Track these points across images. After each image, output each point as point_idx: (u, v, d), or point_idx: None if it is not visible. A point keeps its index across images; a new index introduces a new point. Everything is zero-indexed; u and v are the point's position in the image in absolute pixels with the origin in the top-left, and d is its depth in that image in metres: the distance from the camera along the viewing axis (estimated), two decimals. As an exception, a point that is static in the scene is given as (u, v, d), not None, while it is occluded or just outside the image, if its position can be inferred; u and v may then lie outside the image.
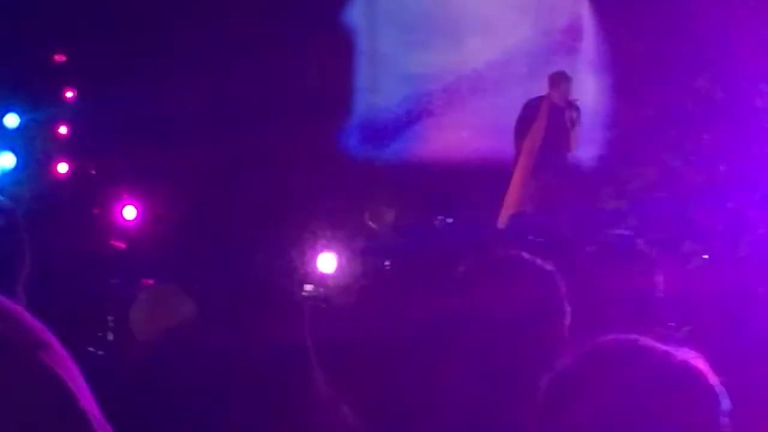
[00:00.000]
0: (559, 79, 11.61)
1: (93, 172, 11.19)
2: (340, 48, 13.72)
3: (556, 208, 11.20)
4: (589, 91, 12.57)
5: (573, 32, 13.81)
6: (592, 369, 2.01)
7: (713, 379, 1.97)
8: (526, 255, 3.01)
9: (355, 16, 13.83)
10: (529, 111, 11.64)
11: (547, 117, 11.45)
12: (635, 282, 4.22)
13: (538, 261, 3.01)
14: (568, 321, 2.90)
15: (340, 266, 10.55)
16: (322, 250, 10.65)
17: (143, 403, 3.83)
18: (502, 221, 11.24)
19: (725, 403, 1.97)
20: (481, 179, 12.05)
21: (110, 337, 9.86)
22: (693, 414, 1.95)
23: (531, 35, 13.84)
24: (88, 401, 1.90)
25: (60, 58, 12.15)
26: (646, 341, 2.04)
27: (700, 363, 1.98)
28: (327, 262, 10.57)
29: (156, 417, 3.78)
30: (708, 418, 1.96)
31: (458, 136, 13.65)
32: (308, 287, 10.25)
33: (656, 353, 2.01)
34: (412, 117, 13.83)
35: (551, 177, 11.38)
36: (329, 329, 4.32)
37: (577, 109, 11.50)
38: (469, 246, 7.51)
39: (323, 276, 10.46)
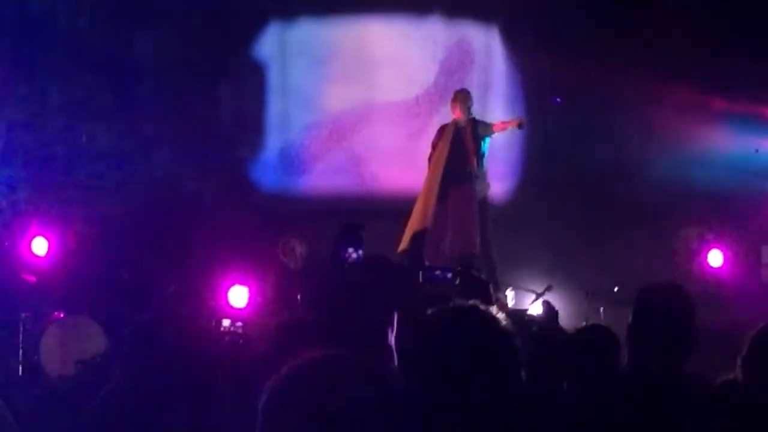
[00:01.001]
0: (457, 95, 11.73)
1: (2, 203, 11.09)
2: (252, 80, 13.75)
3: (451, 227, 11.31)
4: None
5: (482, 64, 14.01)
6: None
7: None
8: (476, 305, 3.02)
9: (267, 48, 13.88)
10: (437, 136, 11.73)
11: (452, 136, 11.52)
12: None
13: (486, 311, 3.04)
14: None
15: (251, 300, 10.57)
16: (233, 284, 10.65)
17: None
18: (403, 243, 11.28)
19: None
20: (394, 210, 12.13)
21: (20, 371, 9.79)
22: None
23: (439, 68, 14.01)
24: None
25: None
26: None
27: None
28: (238, 296, 10.58)
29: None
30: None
31: (370, 168, 13.75)
32: (225, 322, 10.25)
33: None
34: (323, 149, 13.88)
35: (454, 196, 11.41)
36: (247, 368, 4.35)
37: (484, 125, 11.62)
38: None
39: (234, 310, 10.46)
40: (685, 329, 3.93)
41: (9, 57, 11.88)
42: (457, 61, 14.01)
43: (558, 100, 12.50)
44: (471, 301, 2.92)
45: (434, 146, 11.68)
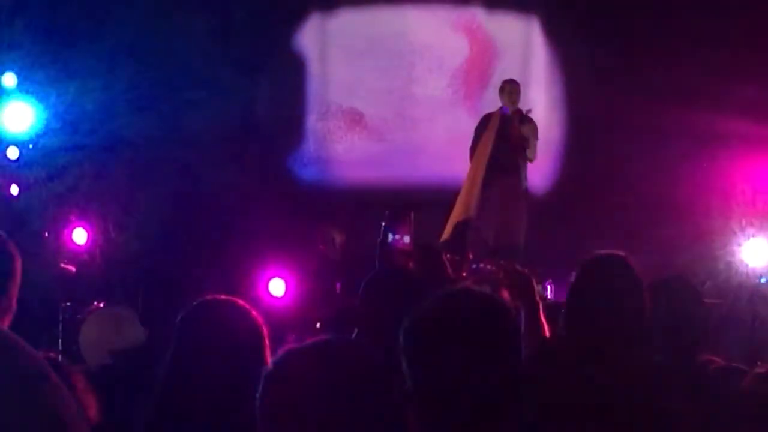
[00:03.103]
0: (505, 86, 11.64)
1: (43, 194, 11.13)
2: (292, 72, 13.76)
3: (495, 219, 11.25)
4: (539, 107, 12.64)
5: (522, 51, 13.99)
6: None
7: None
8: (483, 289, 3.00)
9: (307, 40, 13.89)
10: (481, 125, 11.64)
11: (497, 127, 11.42)
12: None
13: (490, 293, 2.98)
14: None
15: (288, 290, 10.58)
16: (272, 275, 10.67)
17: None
18: (446, 233, 11.24)
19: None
20: (435, 202, 12.11)
21: (60, 359, 9.82)
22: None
23: (479, 58, 13.98)
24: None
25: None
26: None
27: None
28: (277, 287, 10.60)
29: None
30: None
31: (411, 159, 13.74)
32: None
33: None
34: (362, 140, 13.89)
35: (498, 187, 11.35)
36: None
37: (530, 119, 11.48)
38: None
39: (273, 299, 10.48)
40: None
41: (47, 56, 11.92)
42: (496, 52, 13.98)
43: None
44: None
45: (478, 134, 11.58)
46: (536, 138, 11.49)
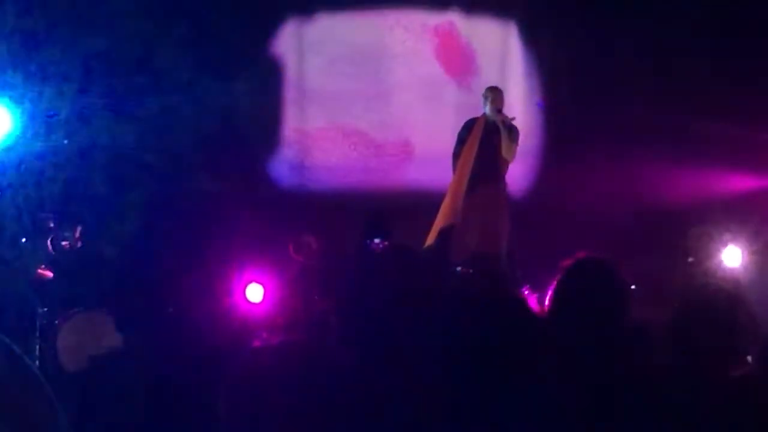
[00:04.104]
0: (488, 94, 11.65)
1: (19, 199, 11.08)
2: (269, 77, 13.74)
3: (478, 225, 11.25)
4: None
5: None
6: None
7: None
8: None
9: (284, 45, 13.87)
10: (464, 130, 11.64)
11: (481, 133, 11.44)
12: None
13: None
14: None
15: (267, 296, 10.56)
16: (250, 281, 10.65)
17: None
18: (430, 239, 11.24)
19: None
20: (414, 206, 12.11)
21: (36, 364, 9.78)
22: None
23: (458, 63, 14.00)
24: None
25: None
26: None
27: None
28: (254, 293, 10.57)
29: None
30: None
31: (389, 164, 13.74)
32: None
33: None
34: (341, 145, 13.88)
35: (482, 194, 11.35)
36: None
37: (512, 126, 11.47)
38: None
39: (251, 306, 10.46)
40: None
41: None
42: (475, 57, 13.99)
43: (540, 103, 12.42)
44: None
45: (461, 140, 11.59)
46: (516, 142, 11.50)
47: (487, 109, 11.51)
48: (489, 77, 13.27)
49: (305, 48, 13.89)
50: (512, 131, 11.42)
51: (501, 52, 13.99)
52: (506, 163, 11.46)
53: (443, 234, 11.19)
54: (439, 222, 11.32)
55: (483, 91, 11.80)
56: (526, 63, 13.94)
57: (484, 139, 11.40)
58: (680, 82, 12.55)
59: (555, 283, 4.08)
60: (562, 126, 13.44)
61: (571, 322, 3.94)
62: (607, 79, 13.01)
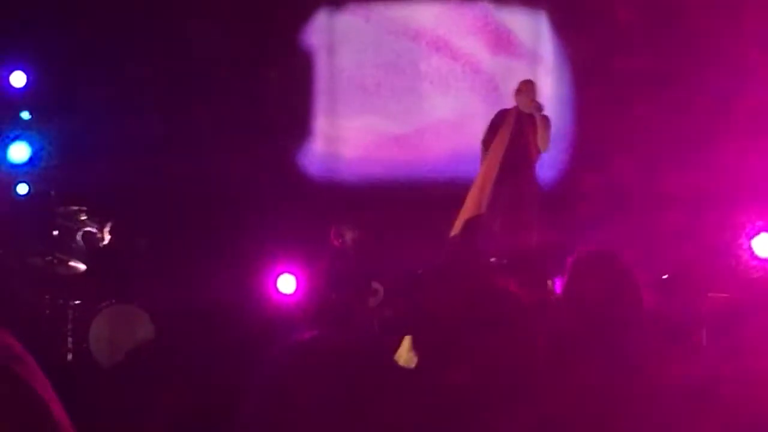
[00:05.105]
0: (522, 85, 11.64)
1: (52, 192, 11.12)
2: (300, 68, 13.75)
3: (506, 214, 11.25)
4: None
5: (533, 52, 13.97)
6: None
7: None
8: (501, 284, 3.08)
9: (315, 35, 13.88)
10: (496, 120, 11.63)
11: (514, 123, 11.43)
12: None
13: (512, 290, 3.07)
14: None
15: (299, 287, 10.58)
16: (282, 271, 10.66)
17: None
18: (456, 228, 11.21)
19: None
20: (444, 196, 12.10)
21: (69, 357, 9.85)
22: None
23: (488, 53, 13.97)
24: (59, 411, 1.97)
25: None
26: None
27: None
28: (287, 283, 10.59)
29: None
30: None
31: (419, 153, 13.72)
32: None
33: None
34: (372, 135, 13.87)
35: (513, 183, 11.34)
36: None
37: (545, 115, 11.47)
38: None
39: (283, 297, 10.48)
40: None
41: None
42: (505, 47, 13.96)
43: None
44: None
45: (493, 130, 11.57)
46: (549, 129, 11.48)
47: (521, 100, 11.50)
48: (519, 66, 13.24)
49: (336, 38, 13.89)
50: (547, 122, 11.42)
51: (531, 43, 13.96)
52: (539, 154, 11.46)
53: (470, 224, 11.17)
54: (466, 212, 11.28)
55: (517, 84, 11.79)
56: (555, 52, 13.89)
57: (516, 129, 11.39)
58: (711, 66, 12.48)
59: (563, 279, 4.12)
60: (592, 117, 13.40)
61: (580, 315, 3.97)
62: (636, 71, 12.95)
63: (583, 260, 4.13)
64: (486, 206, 11.21)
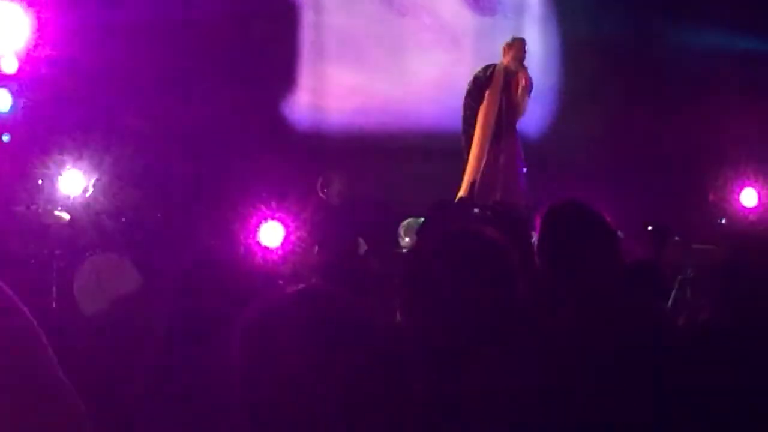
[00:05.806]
0: (513, 42, 11.63)
1: (39, 140, 11.08)
2: (286, 20, 13.68)
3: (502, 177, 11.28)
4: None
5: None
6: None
7: None
8: (480, 229, 3.11)
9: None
10: (483, 74, 11.60)
11: (502, 82, 11.43)
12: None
13: (491, 234, 3.10)
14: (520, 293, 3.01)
15: (286, 236, 10.57)
16: (266, 220, 10.64)
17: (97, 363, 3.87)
18: (463, 190, 11.25)
19: None
20: (432, 149, 12.13)
21: (53, 305, 9.84)
22: None
23: (473, 6, 13.94)
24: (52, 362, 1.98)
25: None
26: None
27: None
28: (273, 234, 10.57)
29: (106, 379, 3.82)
30: None
31: (407, 108, 13.70)
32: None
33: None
34: (358, 87, 13.83)
35: (504, 143, 11.37)
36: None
37: (530, 76, 11.50)
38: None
39: (269, 249, 10.47)
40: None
41: None
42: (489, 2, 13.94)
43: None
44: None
45: (479, 89, 11.53)
46: (529, 95, 11.53)
47: (509, 59, 11.49)
48: (506, 22, 13.26)
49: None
50: (530, 84, 11.45)
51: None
52: (521, 114, 11.49)
53: (473, 185, 11.24)
54: (469, 174, 11.35)
55: (508, 39, 11.77)
56: (542, 9, 13.89)
57: (504, 88, 11.40)
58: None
59: (538, 230, 4.18)
60: (579, 67, 13.40)
61: (557, 265, 4.01)
62: (625, 23, 12.94)
63: (551, 212, 4.18)
64: (485, 164, 11.27)
